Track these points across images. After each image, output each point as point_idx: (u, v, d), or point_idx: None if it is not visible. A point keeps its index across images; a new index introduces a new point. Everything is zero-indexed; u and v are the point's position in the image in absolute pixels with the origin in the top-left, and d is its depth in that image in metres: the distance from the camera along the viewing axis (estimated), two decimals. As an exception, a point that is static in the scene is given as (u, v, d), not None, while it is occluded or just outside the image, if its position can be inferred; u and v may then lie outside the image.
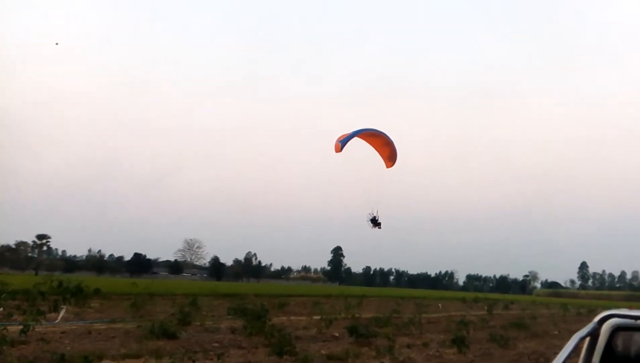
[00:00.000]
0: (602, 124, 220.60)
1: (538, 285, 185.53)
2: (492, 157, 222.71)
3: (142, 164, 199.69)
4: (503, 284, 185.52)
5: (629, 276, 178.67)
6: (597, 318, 4.40)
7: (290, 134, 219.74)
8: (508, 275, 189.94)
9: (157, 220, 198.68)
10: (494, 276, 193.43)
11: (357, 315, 26.78)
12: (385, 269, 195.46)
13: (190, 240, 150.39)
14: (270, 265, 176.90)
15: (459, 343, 17.23)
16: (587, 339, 4.54)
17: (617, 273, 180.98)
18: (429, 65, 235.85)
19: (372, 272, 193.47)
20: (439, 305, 49.08)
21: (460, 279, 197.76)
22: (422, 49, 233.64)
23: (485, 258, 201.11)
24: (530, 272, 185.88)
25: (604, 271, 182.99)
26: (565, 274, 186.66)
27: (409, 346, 18.22)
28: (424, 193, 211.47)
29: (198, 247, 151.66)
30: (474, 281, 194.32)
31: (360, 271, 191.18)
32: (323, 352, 15.78)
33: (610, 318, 4.50)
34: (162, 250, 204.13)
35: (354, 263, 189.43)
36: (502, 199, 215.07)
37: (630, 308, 5.11)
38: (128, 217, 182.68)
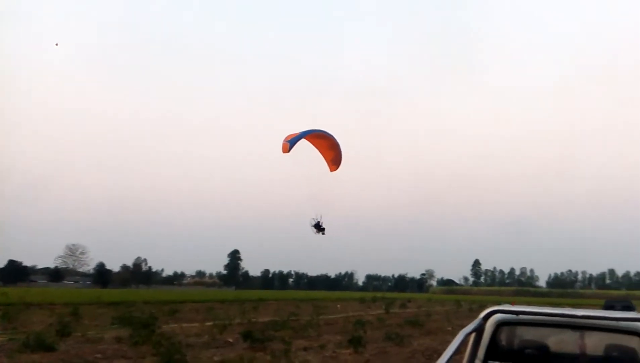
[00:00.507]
0: (500, 125, 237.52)
1: (434, 282, 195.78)
2: (389, 157, 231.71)
3: (19, 165, 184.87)
4: (401, 283, 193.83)
5: (517, 272, 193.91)
6: (482, 315, 4.58)
7: (181, 133, 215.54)
8: (406, 273, 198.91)
9: (35, 225, 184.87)
10: (393, 275, 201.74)
11: (253, 320, 26.71)
12: (285, 271, 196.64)
13: (73, 245, 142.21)
14: (162, 270, 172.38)
15: (355, 343, 17.76)
16: (473, 335, 4.75)
17: (507, 270, 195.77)
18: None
19: (270, 275, 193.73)
20: (338, 306, 50.25)
21: (360, 279, 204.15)
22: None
23: (384, 258, 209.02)
24: (427, 271, 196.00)
25: (495, 268, 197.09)
26: (459, 271, 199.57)
27: (305, 348, 18.42)
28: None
29: (81, 253, 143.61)
30: (373, 281, 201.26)
31: (259, 274, 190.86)
32: (216, 359, 15.55)
33: (495, 314, 4.70)
34: (40, 257, 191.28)
35: (252, 266, 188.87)
36: (400, 200, 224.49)
37: (512, 304, 5.51)
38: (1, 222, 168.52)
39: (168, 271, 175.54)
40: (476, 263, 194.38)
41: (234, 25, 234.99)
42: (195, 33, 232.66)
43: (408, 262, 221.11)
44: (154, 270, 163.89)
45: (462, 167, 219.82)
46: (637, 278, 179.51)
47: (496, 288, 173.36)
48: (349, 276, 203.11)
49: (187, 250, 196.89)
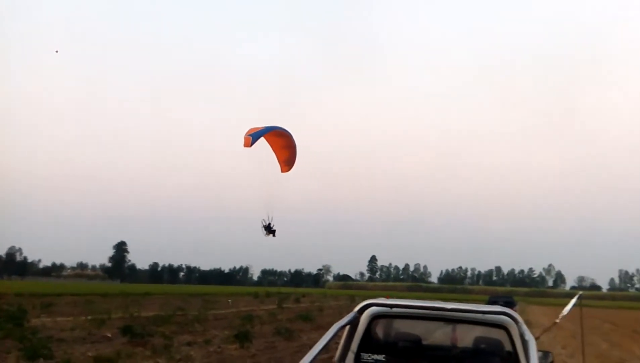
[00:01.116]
0: (398, 125, 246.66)
1: (331, 278, 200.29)
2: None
3: None
4: (297, 278, 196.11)
5: (411, 268, 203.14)
6: (357, 308, 4.82)
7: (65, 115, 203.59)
8: (303, 269, 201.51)
9: None
10: (289, 270, 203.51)
11: (135, 314, 26.02)
12: (175, 265, 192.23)
13: None
14: (39, 261, 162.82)
15: (242, 338, 17.89)
16: (347, 327, 4.99)
17: (401, 266, 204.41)
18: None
19: (159, 269, 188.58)
20: (229, 301, 50.05)
21: (255, 274, 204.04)
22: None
23: (280, 252, 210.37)
24: (323, 266, 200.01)
25: (390, 264, 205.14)
26: (356, 267, 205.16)
27: (189, 343, 18.27)
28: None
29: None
30: (269, 276, 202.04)
31: (147, 267, 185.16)
32: (90, 354, 15.02)
33: (369, 307, 5.00)
34: None
35: (140, 259, 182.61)
36: (298, 195, 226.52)
37: (387, 297, 5.83)
38: None
39: (46, 262, 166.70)
40: (372, 259, 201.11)
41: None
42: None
43: (305, 257, 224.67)
44: (29, 260, 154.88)
45: (359, 164, 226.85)
46: (520, 276, 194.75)
47: (391, 283, 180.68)
48: (244, 270, 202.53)
49: (67, 239, 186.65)
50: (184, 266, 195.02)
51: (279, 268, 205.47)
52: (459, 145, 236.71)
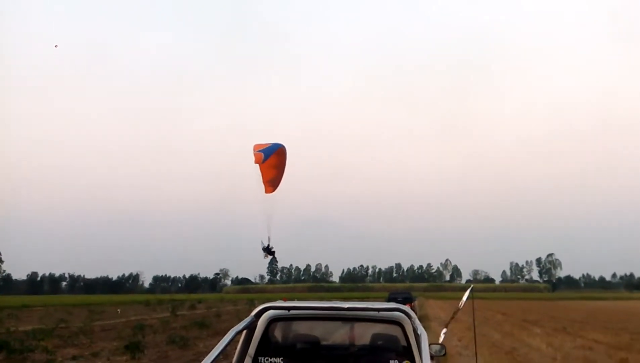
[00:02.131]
0: (300, 125, 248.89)
1: (229, 282, 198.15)
2: (183, 154, 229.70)
3: None
4: (193, 283, 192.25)
5: (313, 268, 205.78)
6: (254, 312, 4.89)
7: None
8: (198, 274, 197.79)
9: None
10: (184, 276, 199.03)
11: (12, 328, 24.57)
12: (57, 274, 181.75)
13: None
14: None
15: (133, 348, 17.40)
16: (245, 332, 5.08)
17: (303, 267, 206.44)
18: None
19: (39, 279, 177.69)
20: (118, 310, 48.31)
21: (147, 281, 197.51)
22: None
23: (173, 257, 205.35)
24: (221, 270, 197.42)
25: (291, 265, 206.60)
26: (256, 270, 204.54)
27: (75, 357, 17.51)
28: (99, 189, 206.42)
29: None
30: (161, 282, 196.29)
31: (24, 278, 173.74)
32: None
33: (267, 311, 5.10)
34: None
35: (16, 268, 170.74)
36: (193, 197, 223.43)
37: (284, 300, 5.94)
38: None
39: None
40: (272, 261, 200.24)
41: None
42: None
43: (201, 262, 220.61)
44: None
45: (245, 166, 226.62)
46: (419, 271, 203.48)
47: (292, 285, 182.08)
48: (134, 278, 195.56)
49: None
50: (66, 275, 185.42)
51: (172, 273, 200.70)
52: (360, 145, 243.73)
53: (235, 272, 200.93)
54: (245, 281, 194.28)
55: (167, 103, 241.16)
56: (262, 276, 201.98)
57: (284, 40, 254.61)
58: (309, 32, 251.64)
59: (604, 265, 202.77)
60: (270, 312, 5.26)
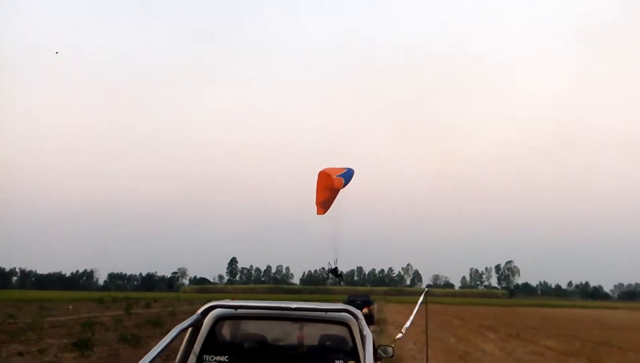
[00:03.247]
0: (253, 124, 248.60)
1: (187, 281, 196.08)
2: (142, 149, 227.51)
3: None
4: (149, 282, 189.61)
5: (274, 270, 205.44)
6: (200, 310, 4.81)
7: None
8: (156, 272, 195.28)
9: None
10: (140, 274, 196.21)
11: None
12: (7, 269, 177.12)
13: None
14: None
15: (82, 346, 17.19)
16: (190, 330, 5.04)
17: (263, 268, 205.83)
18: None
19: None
20: (70, 307, 47.50)
21: (102, 278, 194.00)
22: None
23: (130, 255, 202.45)
24: (179, 269, 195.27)
25: (251, 266, 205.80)
26: (215, 270, 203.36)
27: (21, 354, 17.20)
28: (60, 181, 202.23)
29: None
30: (117, 280, 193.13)
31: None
32: None
33: (214, 309, 5.03)
34: None
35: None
36: (153, 193, 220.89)
37: (232, 299, 5.96)
38: None
39: None
40: (232, 261, 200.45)
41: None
42: None
43: (158, 260, 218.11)
44: None
45: (218, 163, 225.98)
46: (380, 275, 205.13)
47: (251, 286, 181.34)
48: (88, 274, 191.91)
49: None
50: (17, 269, 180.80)
51: (128, 271, 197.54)
52: (323, 146, 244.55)
53: (194, 272, 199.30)
54: (203, 281, 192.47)
55: (125, 98, 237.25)
56: (221, 277, 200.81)
57: (249, 39, 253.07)
58: (265, 34, 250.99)
59: (561, 274, 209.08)
60: (218, 311, 5.24)
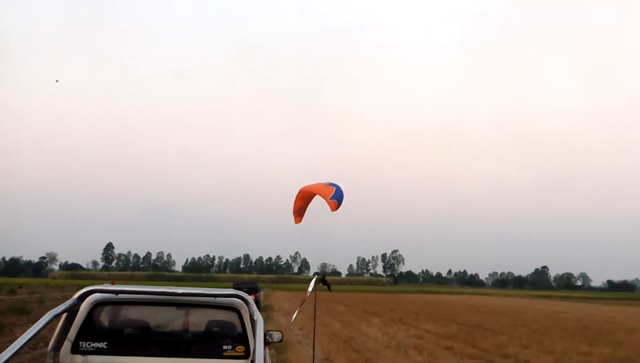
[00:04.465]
0: (144, 108, 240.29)
1: (56, 267, 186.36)
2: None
3: None
4: (13, 267, 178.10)
5: (154, 256, 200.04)
6: (76, 295, 4.71)
7: None
8: (21, 256, 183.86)
9: None
10: (3, 258, 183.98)
11: None
12: None
13: None
14: None
15: None
16: (65, 315, 4.92)
17: (142, 254, 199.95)
18: None
19: None
20: None
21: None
22: None
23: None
24: (48, 254, 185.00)
25: (129, 252, 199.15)
26: (89, 255, 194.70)
27: None
28: None
29: None
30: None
31: None
32: None
33: (92, 294, 4.92)
34: None
35: None
36: (18, 174, 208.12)
37: (113, 283, 5.79)
38: None
39: None
40: (109, 247, 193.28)
41: None
42: None
43: (24, 243, 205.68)
44: None
45: (93, 141, 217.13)
46: (268, 263, 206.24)
47: (129, 272, 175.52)
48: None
49: None
50: None
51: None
52: (208, 133, 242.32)
53: (65, 257, 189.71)
54: (75, 266, 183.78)
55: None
56: (95, 263, 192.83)
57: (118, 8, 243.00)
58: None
59: (442, 263, 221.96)
60: (96, 295, 5.10)
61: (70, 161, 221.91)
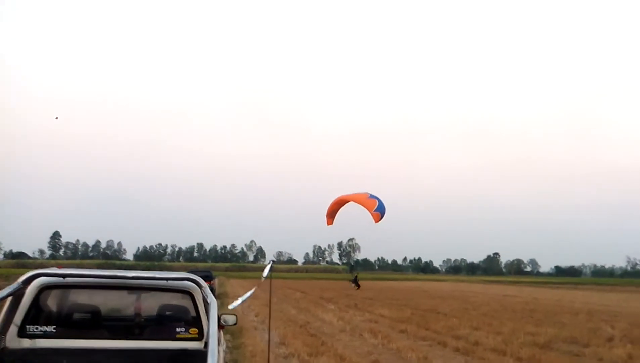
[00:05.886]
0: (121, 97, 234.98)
1: (1, 256, 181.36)
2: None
3: None
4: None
5: (103, 245, 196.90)
6: (22, 278, 4.74)
7: None
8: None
9: None
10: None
11: None
12: None
13: None
14: None
15: None
16: (10, 300, 4.93)
17: (92, 243, 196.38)
18: None
19: None
20: None
21: None
22: None
23: None
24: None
25: (77, 240, 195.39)
26: (35, 244, 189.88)
27: None
28: None
29: None
30: None
31: None
32: None
33: (38, 277, 4.94)
34: None
35: None
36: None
37: (59, 267, 5.86)
38: None
39: None
40: (55, 235, 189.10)
41: None
42: None
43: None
44: None
45: (37, 126, 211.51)
46: (223, 252, 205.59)
47: (77, 261, 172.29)
48: None
49: None
50: None
51: None
52: (170, 122, 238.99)
53: (9, 245, 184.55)
54: (21, 255, 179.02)
55: None
56: (42, 251, 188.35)
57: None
58: None
59: (397, 250, 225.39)
60: (42, 279, 5.06)
61: (14, 148, 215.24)
